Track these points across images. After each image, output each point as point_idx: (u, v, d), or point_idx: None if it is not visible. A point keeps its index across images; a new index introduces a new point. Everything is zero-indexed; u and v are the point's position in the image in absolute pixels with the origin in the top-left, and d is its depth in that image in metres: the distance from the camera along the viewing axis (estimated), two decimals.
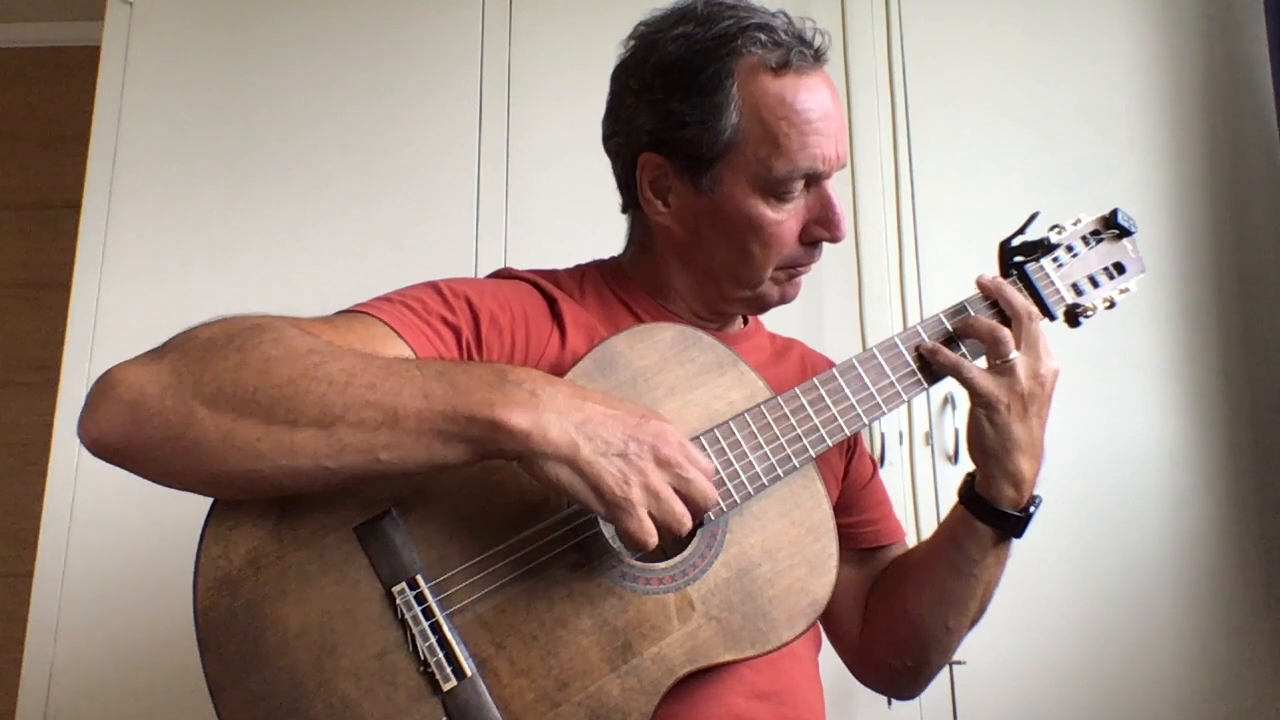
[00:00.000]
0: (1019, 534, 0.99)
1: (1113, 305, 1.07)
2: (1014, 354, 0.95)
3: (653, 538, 0.78)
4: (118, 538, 1.78)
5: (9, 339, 2.60)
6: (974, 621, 1.07)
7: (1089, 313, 1.05)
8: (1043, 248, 1.04)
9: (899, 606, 1.09)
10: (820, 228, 1.01)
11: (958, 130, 1.94)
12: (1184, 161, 1.90)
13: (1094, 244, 1.07)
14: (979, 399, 0.96)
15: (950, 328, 1.00)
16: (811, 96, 0.97)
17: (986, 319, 0.97)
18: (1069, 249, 1.06)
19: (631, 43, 1.04)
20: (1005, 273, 1.04)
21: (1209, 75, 1.94)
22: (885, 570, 1.15)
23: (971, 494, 1.00)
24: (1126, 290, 1.08)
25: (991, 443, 0.96)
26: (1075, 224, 1.07)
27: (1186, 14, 1.97)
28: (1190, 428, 1.79)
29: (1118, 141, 1.92)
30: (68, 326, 1.89)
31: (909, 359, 0.98)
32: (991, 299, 1.00)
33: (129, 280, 1.92)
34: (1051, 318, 1.03)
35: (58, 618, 1.76)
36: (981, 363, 0.99)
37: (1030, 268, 1.03)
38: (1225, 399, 1.80)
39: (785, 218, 0.99)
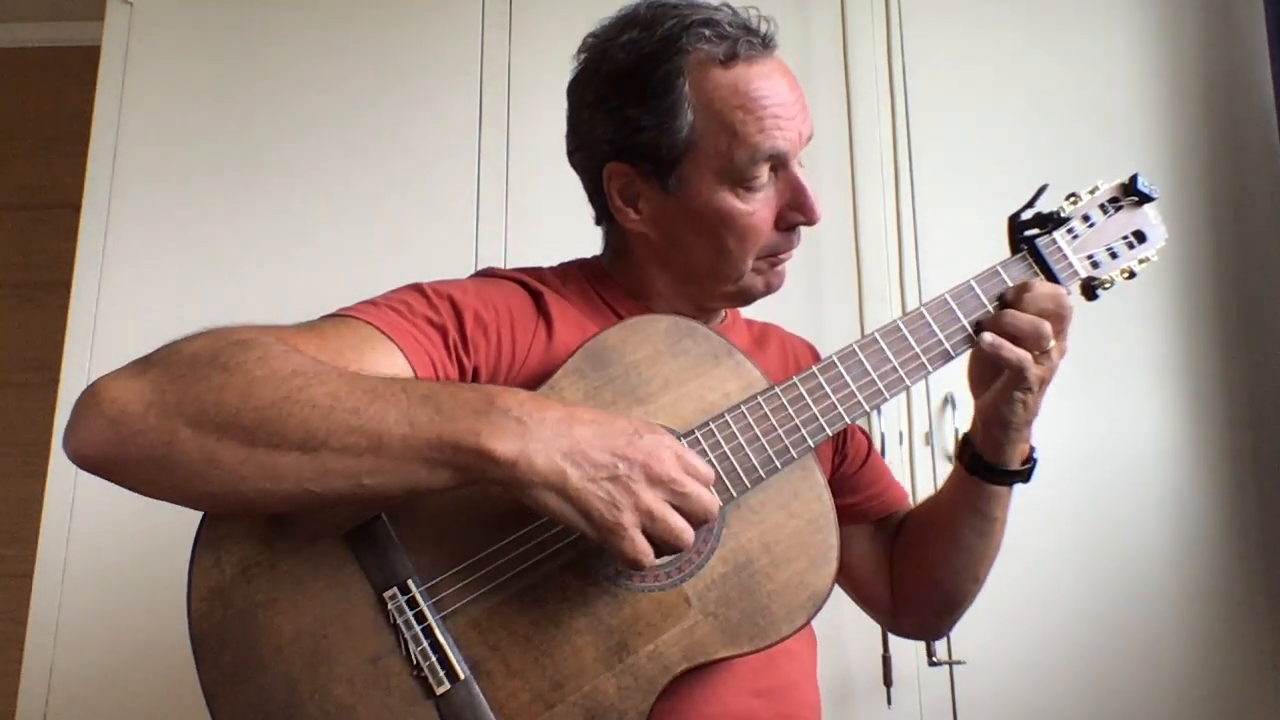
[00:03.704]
0: (1028, 479, 1.04)
1: (1132, 275, 1.04)
2: (1052, 343, 0.96)
3: (647, 557, 0.77)
4: (118, 538, 1.78)
5: (9, 339, 2.60)
6: (994, 560, 1.11)
7: (1106, 285, 1.02)
8: (1054, 220, 1.01)
9: (929, 573, 1.12)
10: (794, 212, 1.00)
11: (958, 130, 1.94)
12: (1184, 161, 1.90)
13: (1112, 212, 1.03)
14: (1024, 384, 0.96)
15: (968, 327, 0.98)
16: (764, 83, 0.97)
17: (1028, 317, 0.95)
18: (1085, 219, 1.03)
19: (582, 55, 1.04)
20: (1015, 248, 1.02)
21: (1209, 75, 1.93)
22: (900, 536, 1.18)
23: (981, 463, 1.03)
24: (1147, 260, 1.04)
25: (1019, 419, 0.99)
26: (1092, 192, 1.04)
27: (1186, 14, 1.97)
28: (1190, 427, 1.79)
29: (1118, 141, 1.91)
30: (68, 326, 1.90)
31: (912, 343, 0.97)
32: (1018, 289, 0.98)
33: (129, 280, 1.92)
34: (1066, 293, 1.00)
35: (58, 618, 1.77)
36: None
37: (1041, 242, 1.01)
38: (1225, 399, 1.80)
39: (756, 207, 0.98)
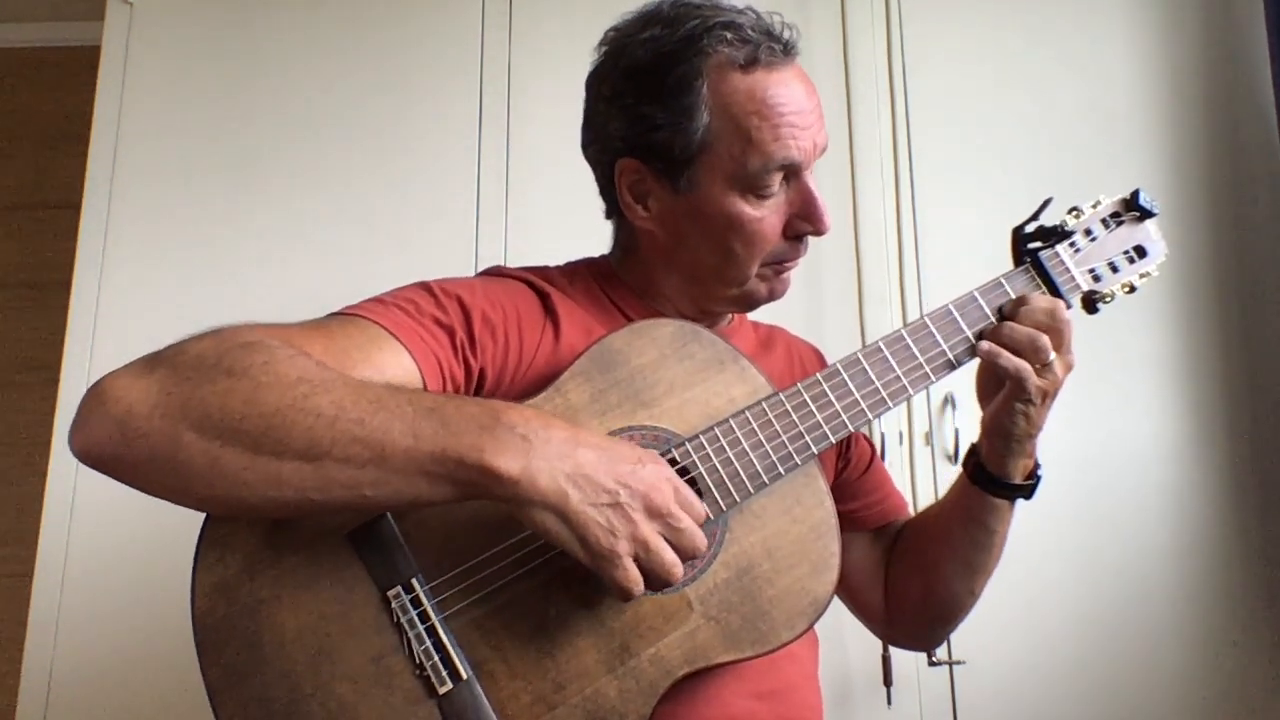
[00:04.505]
0: (1030, 495, 1.04)
1: (1133, 290, 1.05)
2: (1052, 356, 0.96)
3: (638, 587, 0.77)
4: (118, 538, 1.78)
5: (9, 339, 2.60)
6: (991, 574, 1.11)
7: (1107, 299, 1.03)
8: (1058, 234, 1.02)
9: (925, 582, 1.12)
10: (803, 221, 1.00)
11: (958, 130, 1.94)
12: (1184, 161, 1.90)
13: (1114, 227, 1.04)
14: (1024, 396, 0.96)
15: (971, 338, 0.99)
16: (782, 90, 0.96)
17: (1025, 330, 0.96)
18: (1087, 233, 1.04)
19: (602, 49, 1.04)
20: (1019, 260, 1.03)
21: (1209, 75, 1.94)
22: (898, 543, 1.18)
23: (984, 474, 1.03)
24: (1147, 274, 1.05)
25: (1021, 431, 0.99)
26: (1094, 207, 1.05)
27: (1186, 14, 1.97)
28: (1190, 428, 1.79)
29: (1118, 141, 1.91)
30: (68, 326, 1.89)
31: (916, 353, 0.97)
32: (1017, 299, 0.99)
33: (129, 280, 1.92)
34: (1067, 306, 1.01)
35: (58, 618, 1.76)
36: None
37: (1045, 255, 1.02)
38: (1225, 399, 1.80)
39: (766, 214, 0.98)
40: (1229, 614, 1.72)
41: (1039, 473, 1.04)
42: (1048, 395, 0.97)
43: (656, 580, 0.78)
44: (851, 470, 1.17)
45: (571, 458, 0.77)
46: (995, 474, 1.02)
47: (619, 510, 0.77)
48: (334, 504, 0.76)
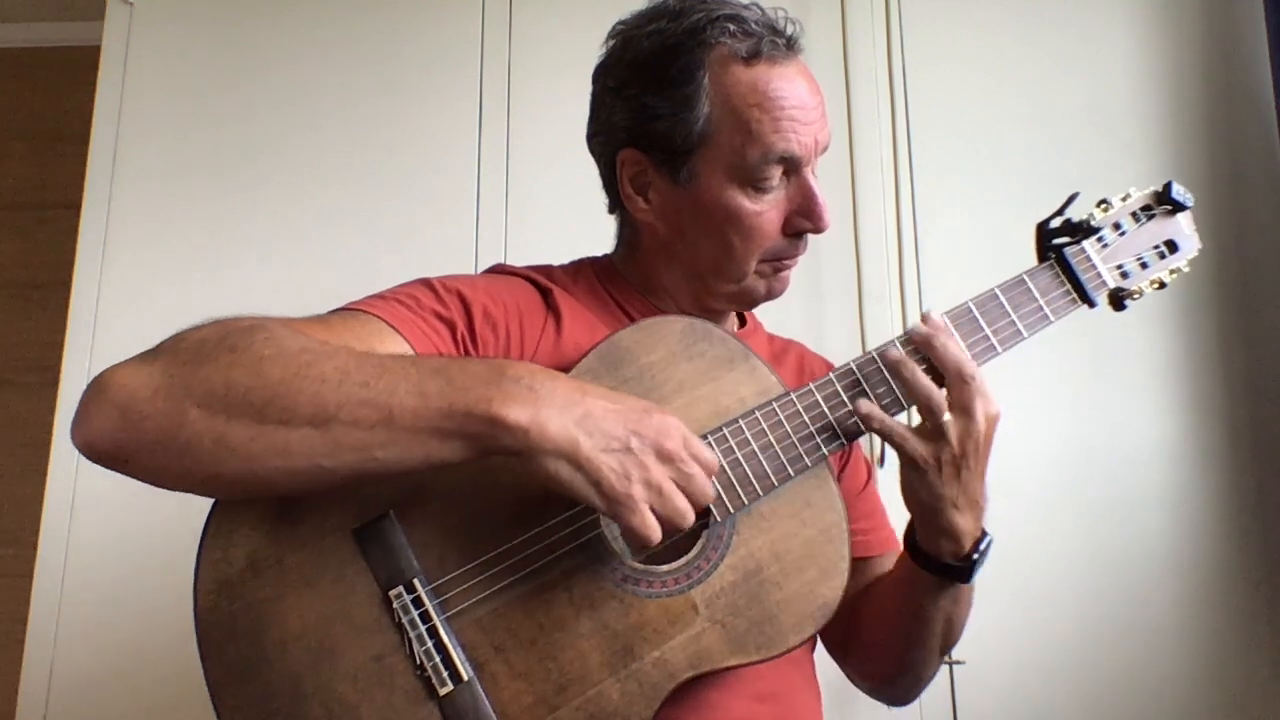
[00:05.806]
0: (966, 580, 0.93)
1: (1163, 286, 1.01)
2: (946, 417, 0.88)
3: (656, 533, 0.77)
4: (118, 538, 1.78)
5: (9, 339, 2.60)
6: (945, 650, 1.03)
7: (1135, 296, 0.99)
8: (1084, 229, 0.98)
9: (869, 636, 1.08)
10: (802, 218, 1.00)
11: (958, 130, 1.94)
12: (1184, 161, 1.89)
13: (1144, 220, 1.01)
14: (908, 461, 0.90)
15: (991, 337, 0.94)
16: (785, 84, 0.97)
17: (923, 382, 0.89)
18: (1115, 227, 1.00)
19: (610, 42, 1.05)
20: (1043, 256, 0.99)
21: (1209, 75, 1.93)
22: (870, 586, 1.10)
23: (914, 545, 0.95)
24: (1178, 270, 1.02)
25: (924, 499, 0.90)
26: (1124, 200, 1.01)
27: (1186, 14, 1.97)
28: (1190, 427, 1.79)
29: (1118, 141, 1.91)
30: (68, 326, 1.89)
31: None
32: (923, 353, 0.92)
33: (129, 280, 1.92)
34: (1091, 305, 0.98)
35: (58, 618, 1.76)
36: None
37: (1070, 251, 0.98)
38: (1225, 399, 1.80)
39: (765, 208, 0.98)
40: (1229, 614, 1.72)
41: (975, 556, 0.91)
42: (942, 469, 0.88)
43: (670, 526, 0.78)
44: (846, 489, 1.12)
45: (580, 405, 0.77)
46: (924, 547, 0.93)
47: (630, 455, 0.77)
48: (344, 470, 0.76)
